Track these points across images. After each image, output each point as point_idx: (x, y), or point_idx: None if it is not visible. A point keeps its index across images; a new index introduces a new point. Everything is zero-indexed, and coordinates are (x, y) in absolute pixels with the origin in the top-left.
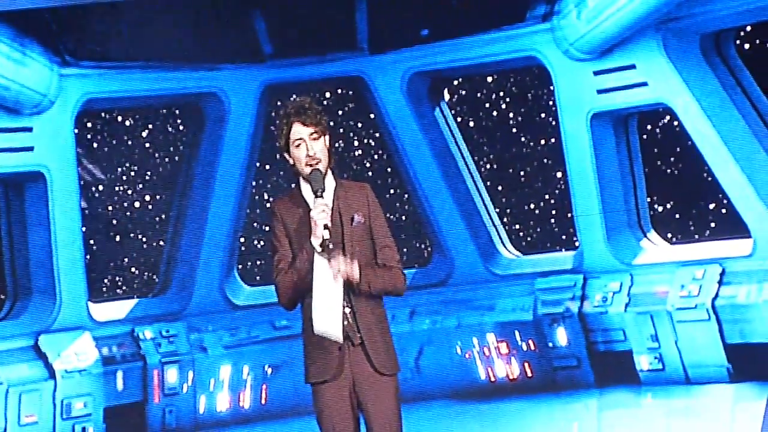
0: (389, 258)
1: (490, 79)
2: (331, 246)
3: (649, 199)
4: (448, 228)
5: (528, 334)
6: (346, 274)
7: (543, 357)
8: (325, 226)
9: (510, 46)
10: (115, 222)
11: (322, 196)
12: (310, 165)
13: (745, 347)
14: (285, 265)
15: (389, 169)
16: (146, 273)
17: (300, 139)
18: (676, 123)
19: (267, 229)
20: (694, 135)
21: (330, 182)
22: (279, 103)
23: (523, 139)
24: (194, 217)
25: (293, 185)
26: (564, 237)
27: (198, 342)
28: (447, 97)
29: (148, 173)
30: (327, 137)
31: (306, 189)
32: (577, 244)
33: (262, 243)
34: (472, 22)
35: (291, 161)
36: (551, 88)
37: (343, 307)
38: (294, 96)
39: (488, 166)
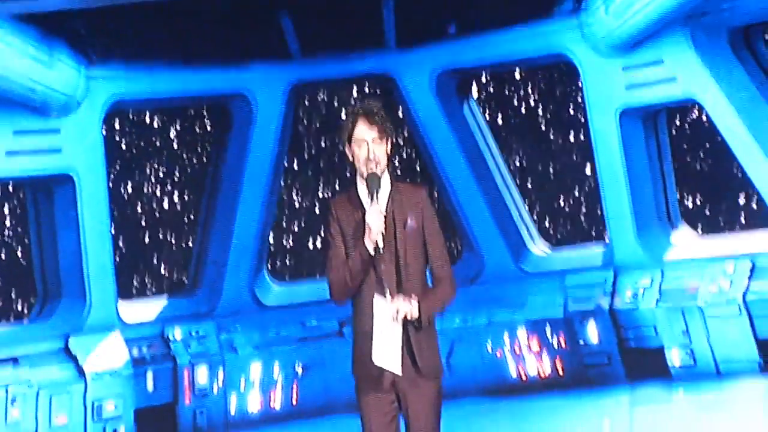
0: (440, 266)
1: (518, 75)
2: (382, 251)
3: (678, 194)
4: (478, 225)
5: (559, 331)
6: (407, 314)
7: (574, 354)
8: (380, 233)
9: (538, 42)
10: (144, 223)
11: (377, 199)
12: (369, 166)
13: None
14: (337, 261)
15: (418, 167)
16: (175, 273)
17: (363, 139)
18: (705, 118)
19: (296, 228)
20: (723, 130)
21: (386, 184)
22: (307, 103)
23: (551, 135)
24: (223, 216)
25: (319, 183)
26: (594, 233)
27: (228, 342)
28: (475, 93)
29: (177, 174)
30: (389, 142)
31: (362, 189)
32: (607, 239)
33: (291, 242)
34: (499, 18)
35: (350, 157)
36: (579, 84)
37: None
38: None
39: (517, 163)
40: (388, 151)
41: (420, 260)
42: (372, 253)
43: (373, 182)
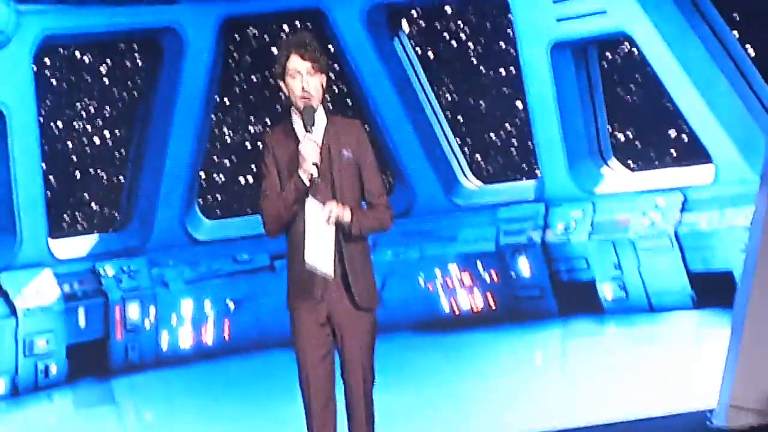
0: (376, 196)
1: (449, 9)
2: (318, 181)
3: (609, 128)
4: (409, 159)
5: (491, 265)
6: (338, 216)
7: (506, 287)
8: (314, 164)
9: None
10: (75, 158)
11: (311, 131)
12: (303, 99)
13: (708, 274)
14: (272, 193)
15: (349, 101)
16: (107, 209)
17: (297, 72)
18: (636, 51)
19: (227, 163)
20: (653, 62)
21: (321, 117)
22: (237, 38)
23: (482, 69)
24: (154, 152)
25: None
26: (525, 166)
27: (159, 277)
28: (406, 28)
29: (108, 109)
30: (324, 75)
31: (297, 121)
32: (538, 173)
33: (222, 177)
34: None
35: (285, 90)
36: (510, 17)
37: None
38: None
39: (448, 97)
40: (323, 84)
41: (356, 192)
42: (307, 183)
43: (308, 115)
